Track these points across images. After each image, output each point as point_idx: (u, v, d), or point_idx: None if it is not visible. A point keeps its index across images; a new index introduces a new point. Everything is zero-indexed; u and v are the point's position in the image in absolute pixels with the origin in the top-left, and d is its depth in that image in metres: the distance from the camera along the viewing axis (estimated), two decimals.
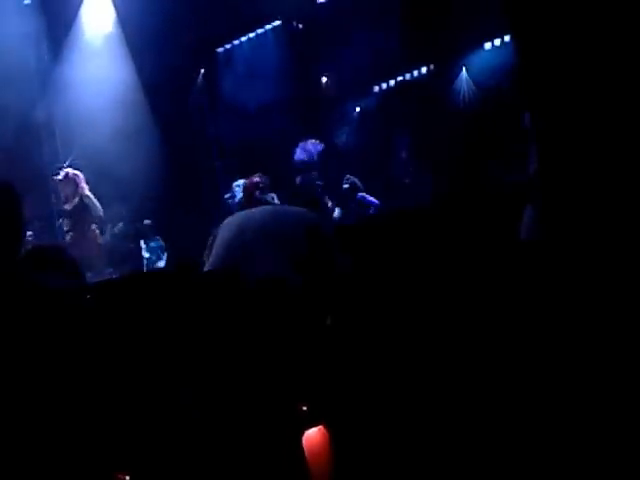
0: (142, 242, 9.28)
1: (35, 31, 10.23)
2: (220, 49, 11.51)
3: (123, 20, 10.37)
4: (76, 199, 8.34)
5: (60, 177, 8.48)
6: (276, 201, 8.81)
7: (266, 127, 10.47)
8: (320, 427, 2.91)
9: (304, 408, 2.86)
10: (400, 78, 10.42)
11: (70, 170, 8.43)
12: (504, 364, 3.50)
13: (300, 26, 10.74)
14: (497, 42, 9.38)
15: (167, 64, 9.93)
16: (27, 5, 10.25)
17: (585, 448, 2.91)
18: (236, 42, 11.37)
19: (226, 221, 3.96)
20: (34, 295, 1.85)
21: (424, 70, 10.22)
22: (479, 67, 9.32)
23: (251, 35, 11.21)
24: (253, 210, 4.02)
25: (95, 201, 8.34)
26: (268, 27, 11.02)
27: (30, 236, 7.14)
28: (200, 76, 11.48)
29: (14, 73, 9.11)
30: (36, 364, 1.79)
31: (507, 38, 8.85)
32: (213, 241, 3.84)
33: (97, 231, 8.37)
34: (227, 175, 11.14)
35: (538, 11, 2.84)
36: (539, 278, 3.23)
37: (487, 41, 9.44)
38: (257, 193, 8.62)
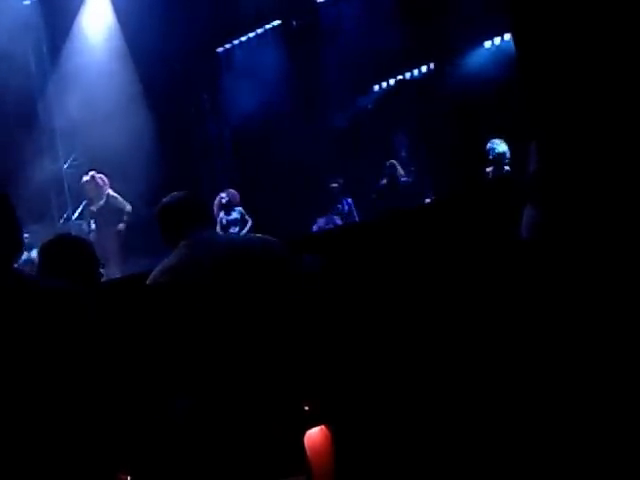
0: None
1: (35, 31, 10.25)
2: (220, 49, 11.51)
3: (123, 20, 10.36)
4: (102, 201, 8.62)
5: (87, 178, 8.77)
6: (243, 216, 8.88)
7: (266, 126, 10.47)
8: (322, 427, 2.91)
9: (306, 408, 2.86)
10: (400, 77, 10.42)
11: (95, 173, 8.73)
12: (504, 364, 3.50)
13: (300, 26, 10.75)
14: (497, 40, 9.37)
15: (167, 64, 9.93)
16: (27, 5, 10.25)
17: (585, 447, 2.91)
18: (236, 42, 11.37)
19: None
20: (30, 298, 1.85)
21: (424, 69, 10.21)
22: (479, 65, 9.30)
23: (251, 35, 11.21)
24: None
25: (121, 198, 8.64)
26: (268, 27, 11.03)
27: (27, 238, 7.20)
28: (200, 76, 11.49)
29: (14, 73, 9.12)
30: (35, 365, 1.79)
31: (507, 36, 8.84)
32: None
33: (123, 230, 8.67)
34: (227, 175, 11.15)
35: (539, 10, 2.84)
36: (540, 278, 3.23)
37: (487, 39, 9.43)
38: (222, 214, 8.81)
